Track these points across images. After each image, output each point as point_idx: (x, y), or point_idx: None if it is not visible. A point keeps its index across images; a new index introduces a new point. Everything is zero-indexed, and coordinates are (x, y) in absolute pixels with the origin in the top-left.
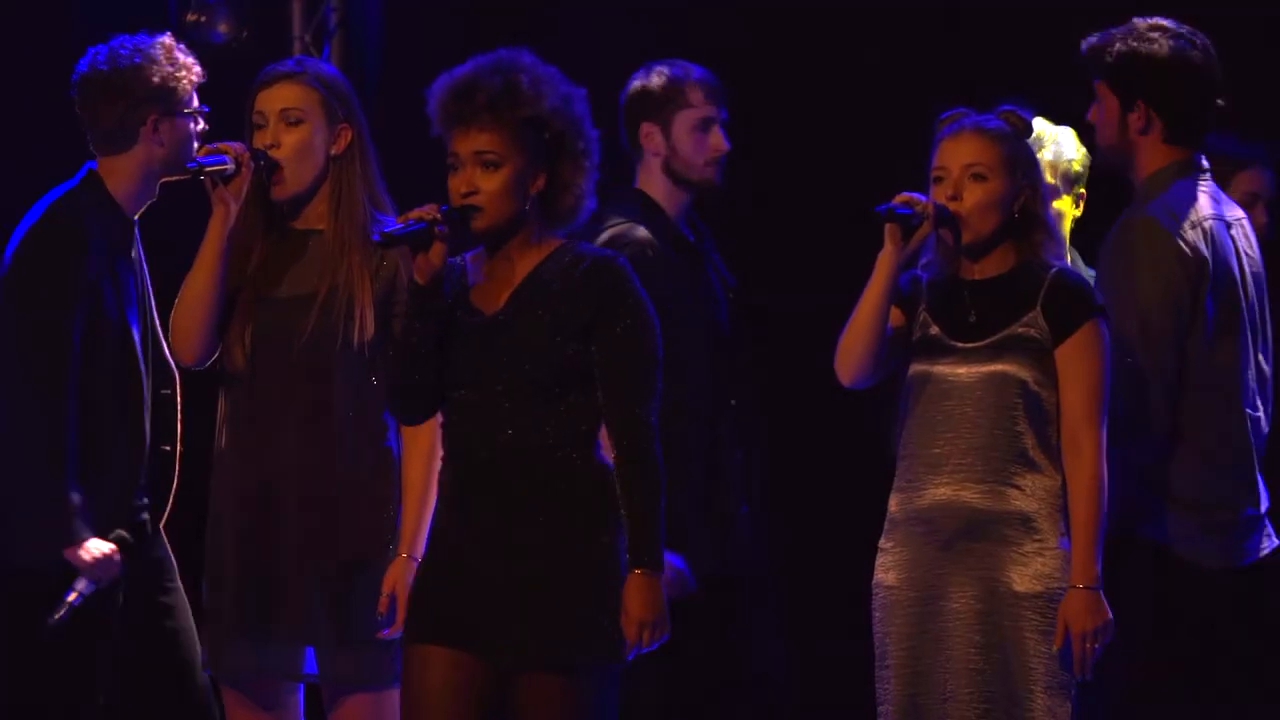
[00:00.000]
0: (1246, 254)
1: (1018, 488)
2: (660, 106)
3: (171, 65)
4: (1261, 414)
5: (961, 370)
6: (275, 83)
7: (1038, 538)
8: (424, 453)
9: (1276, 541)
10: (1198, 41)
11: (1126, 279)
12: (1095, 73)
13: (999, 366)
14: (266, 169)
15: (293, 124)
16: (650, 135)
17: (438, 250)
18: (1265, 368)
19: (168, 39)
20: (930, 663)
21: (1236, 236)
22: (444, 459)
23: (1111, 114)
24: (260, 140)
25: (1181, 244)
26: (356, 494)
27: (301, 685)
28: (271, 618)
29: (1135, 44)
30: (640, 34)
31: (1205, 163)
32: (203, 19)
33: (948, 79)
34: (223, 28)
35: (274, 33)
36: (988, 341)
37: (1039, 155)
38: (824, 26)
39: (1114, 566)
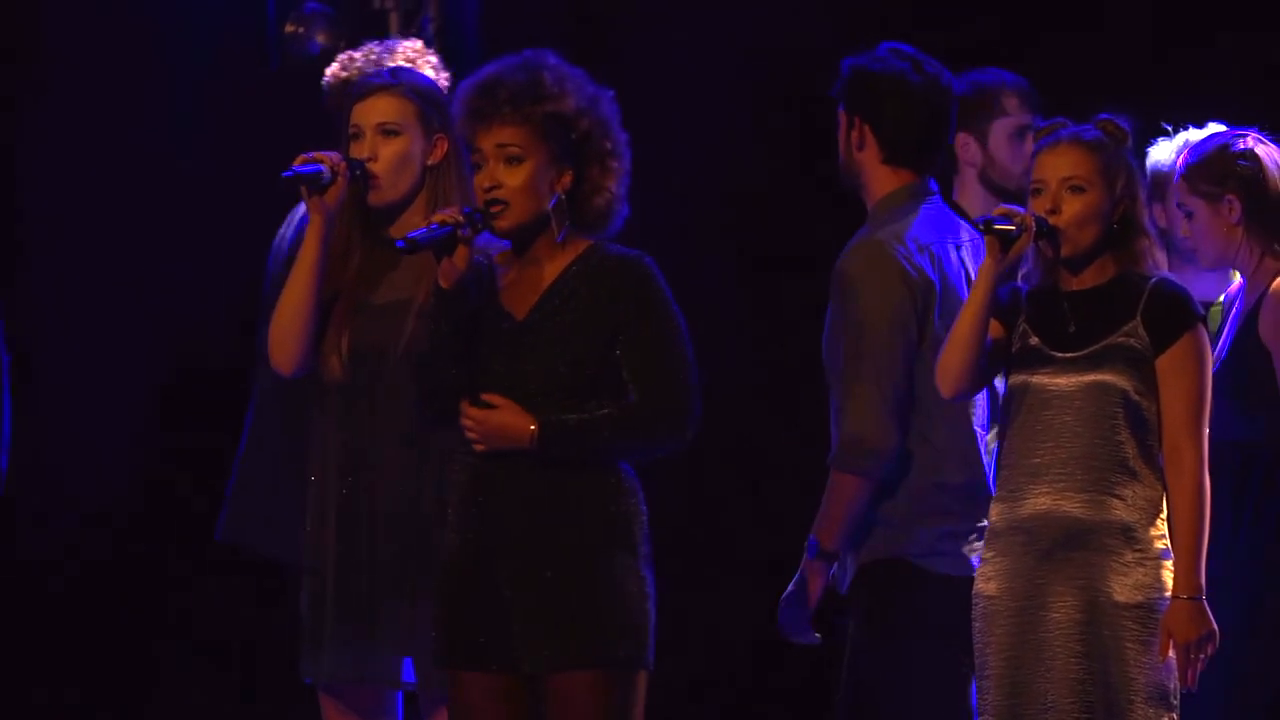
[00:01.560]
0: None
1: (1118, 497)
2: (975, 116)
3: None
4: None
5: (1061, 380)
6: (371, 94)
7: (1138, 547)
8: None
9: None
10: (926, 68)
11: (853, 303)
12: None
13: (1099, 376)
14: (362, 178)
15: (389, 135)
16: (966, 145)
17: (462, 254)
18: (999, 388)
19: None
20: (1030, 672)
21: (965, 258)
22: (461, 459)
23: (841, 131)
24: (357, 152)
25: (907, 267)
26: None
27: (400, 693)
28: (371, 626)
29: (864, 63)
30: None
31: (934, 186)
32: (301, 30)
33: None
34: (320, 38)
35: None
36: (1087, 351)
37: None
38: None
39: (874, 585)
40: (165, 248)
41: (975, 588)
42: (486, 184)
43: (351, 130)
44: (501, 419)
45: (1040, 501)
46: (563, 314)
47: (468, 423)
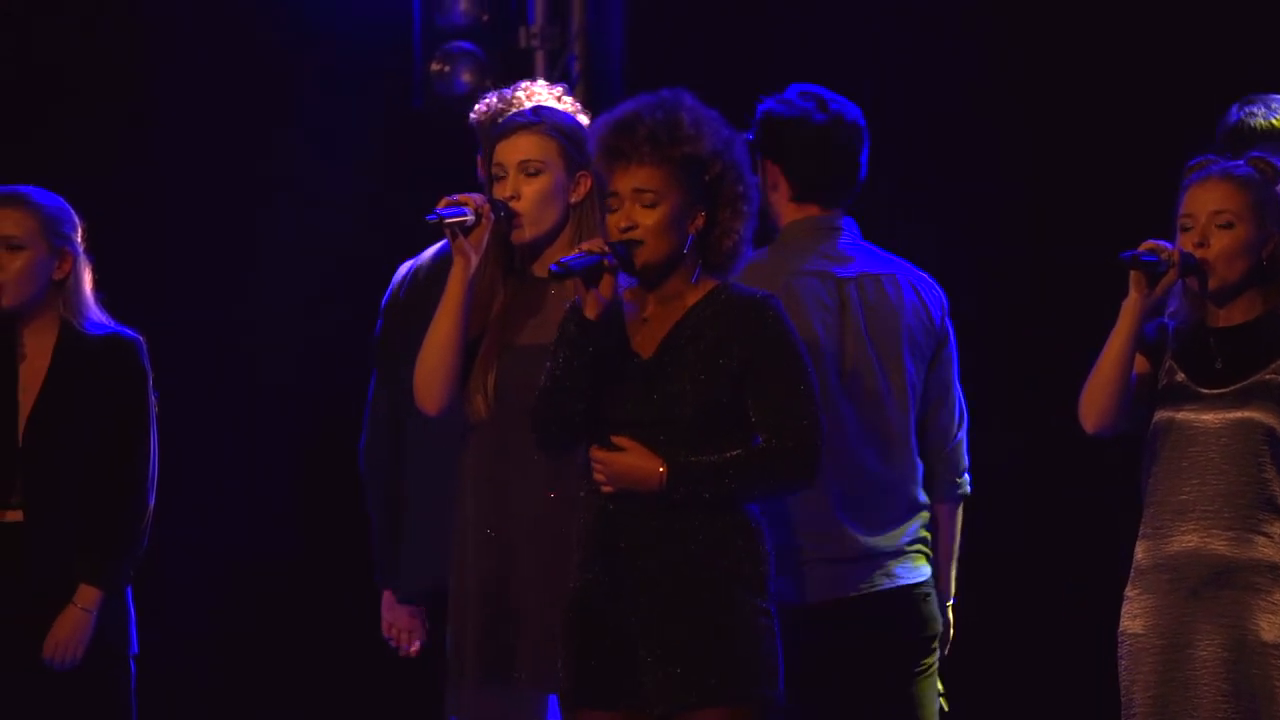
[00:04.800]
0: (866, 307)
1: (1265, 535)
2: (1263, 143)
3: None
4: (869, 460)
5: (1207, 416)
6: (514, 133)
7: None
8: None
9: (890, 583)
10: (831, 107)
11: None
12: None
13: (1245, 413)
14: (506, 219)
15: (532, 175)
16: None
17: (607, 284)
18: (890, 418)
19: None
20: (1176, 711)
21: (849, 292)
22: (587, 499)
23: (758, 172)
24: (500, 191)
25: None
26: None
27: None
28: (515, 664)
29: (770, 107)
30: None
31: (845, 222)
32: (446, 69)
33: None
34: (466, 77)
35: (517, 81)
36: (1234, 388)
37: None
38: None
39: None
40: (309, 285)
41: (1121, 626)
42: (623, 224)
43: (495, 170)
44: (630, 461)
45: (1187, 539)
46: (689, 354)
47: (596, 464)
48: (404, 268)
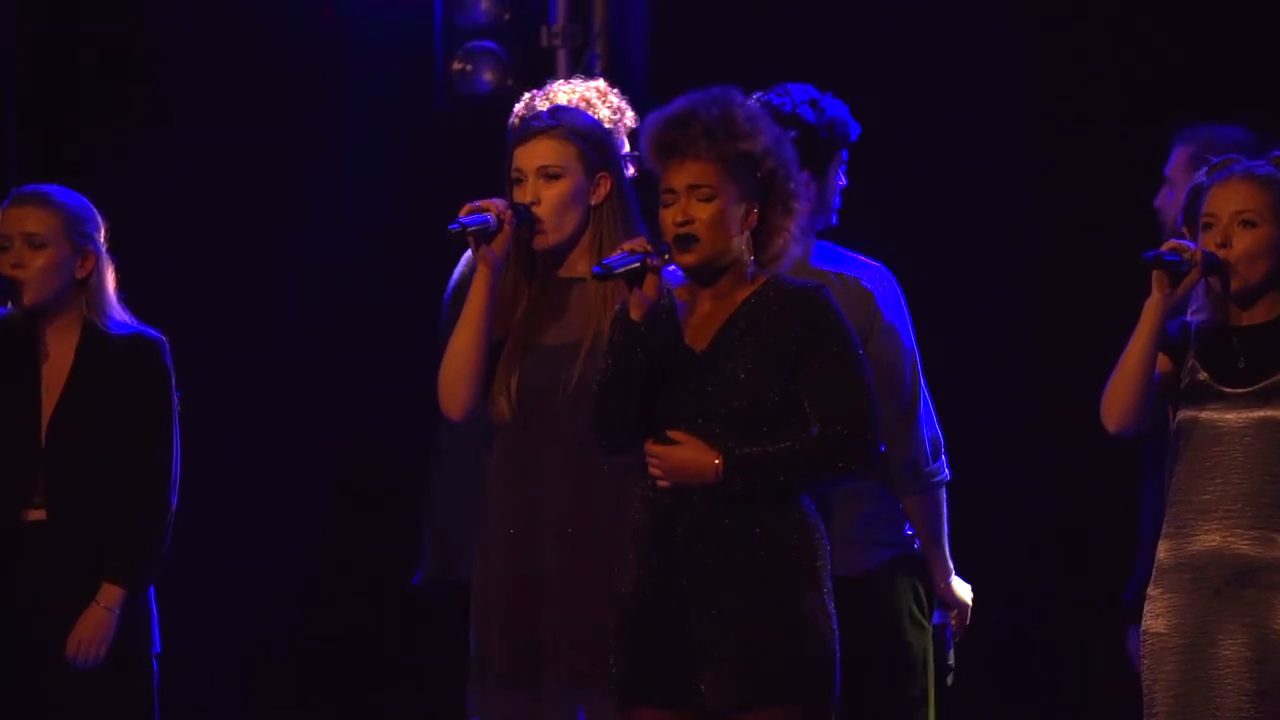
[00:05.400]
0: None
1: None
2: None
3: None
4: None
5: (1230, 416)
6: (532, 138)
7: None
8: None
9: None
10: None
11: None
12: None
13: (1268, 412)
14: (527, 223)
15: (551, 179)
16: None
17: (651, 284)
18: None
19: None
20: (1199, 710)
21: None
22: (643, 494)
23: None
24: (520, 195)
25: None
26: (622, 540)
27: None
28: (542, 667)
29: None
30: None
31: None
32: (468, 68)
33: None
34: (487, 76)
35: (539, 80)
36: (1257, 387)
37: None
38: None
39: None
40: (332, 284)
41: (1144, 624)
42: (679, 218)
43: (514, 174)
44: (685, 454)
45: (1209, 539)
46: (742, 347)
47: (652, 459)
48: (467, 256)
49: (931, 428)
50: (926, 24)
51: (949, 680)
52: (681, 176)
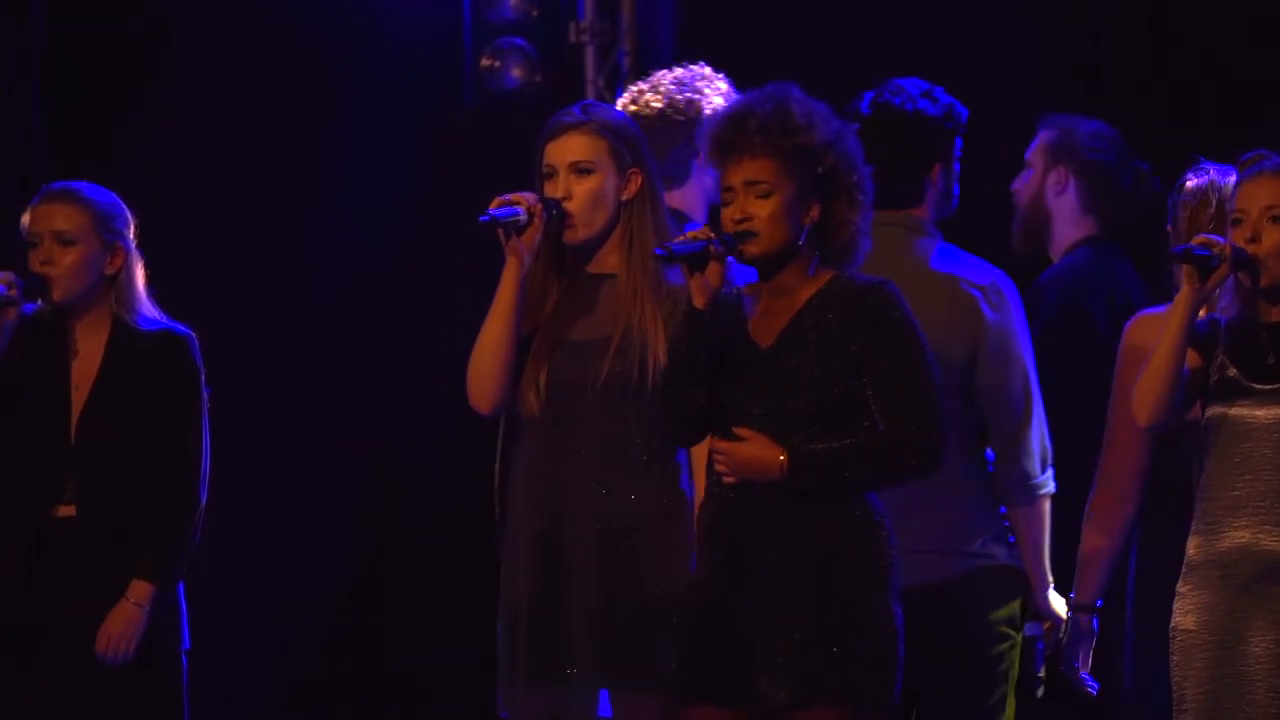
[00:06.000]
0: None
1: None
2: None
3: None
4: None
5: (1260, 412)
6: (563, 134)
7: None
8: None
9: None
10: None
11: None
12: None
13: None
14: (558, 217)
15: (583, 174)
16: None
17: (714, 270)
18: None
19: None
20: (1229, 707)
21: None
22: (710, 490)
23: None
24: (551, 191)
25: None
26: (650, 536)
27: None
28: (566, 661)
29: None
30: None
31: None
32: (496, 64)
33: None
34: (516, 73)
35: (567, 77)
36: None
37: None
38: None
39: None
40: (361, 280)
41: (1173, 622)
42: (737, 215)
43: (545, 169)
44: (751, 451)
45: (1239, 535)
46: (808, 343)
47: (717, 455)
48: None
49: (1042, 439)
50: (953, 17)
51: (1039, 693)
52: (739, 173)
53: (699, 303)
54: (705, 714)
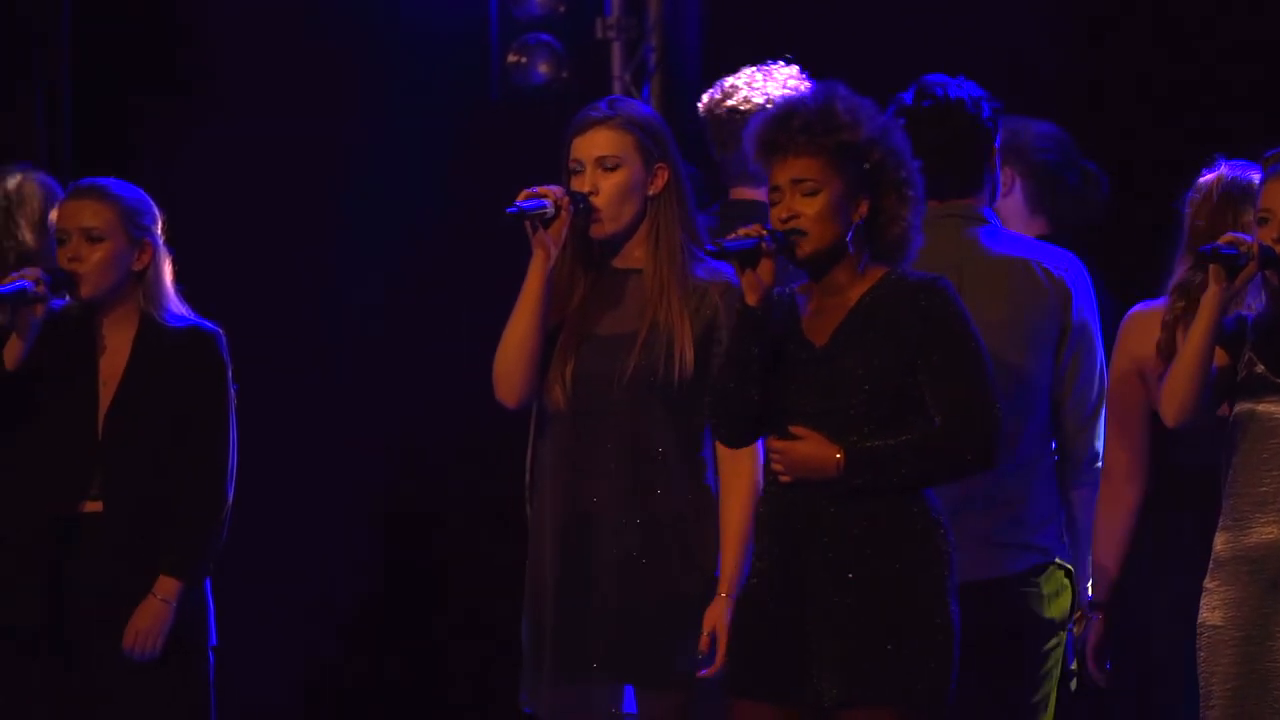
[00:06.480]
0: None
1: None
2: None
3: None
4: None
5: None
6: (590, 129)
7: None
8: (742, 491)
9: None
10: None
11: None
12: None
13: None
14: (585, 211)
15: (609, 169)
16: None
17: (766, 267)
18: None
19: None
20: (1256, 703)
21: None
22: (766, 489)
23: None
24: (578, 185)
25: None
26: (675, 531)
27: None
28: (591, 656)
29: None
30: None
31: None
32: (523, 60)
33: None
34: (543, 69)
35: (594, 73)
36: None
37: None
38: None
39: None
40: (387, 276)
41: (1200, 617)
42: (784, 214)
43: (572, 164)
44: (807, 450)
45: (1267, 531)
46: (862, 341)
47: (774, 455)
48: None
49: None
50: (982, 14)
51: (1072, 685)
52: (785, 172)
53: (751, 300)
54: (757, 710)
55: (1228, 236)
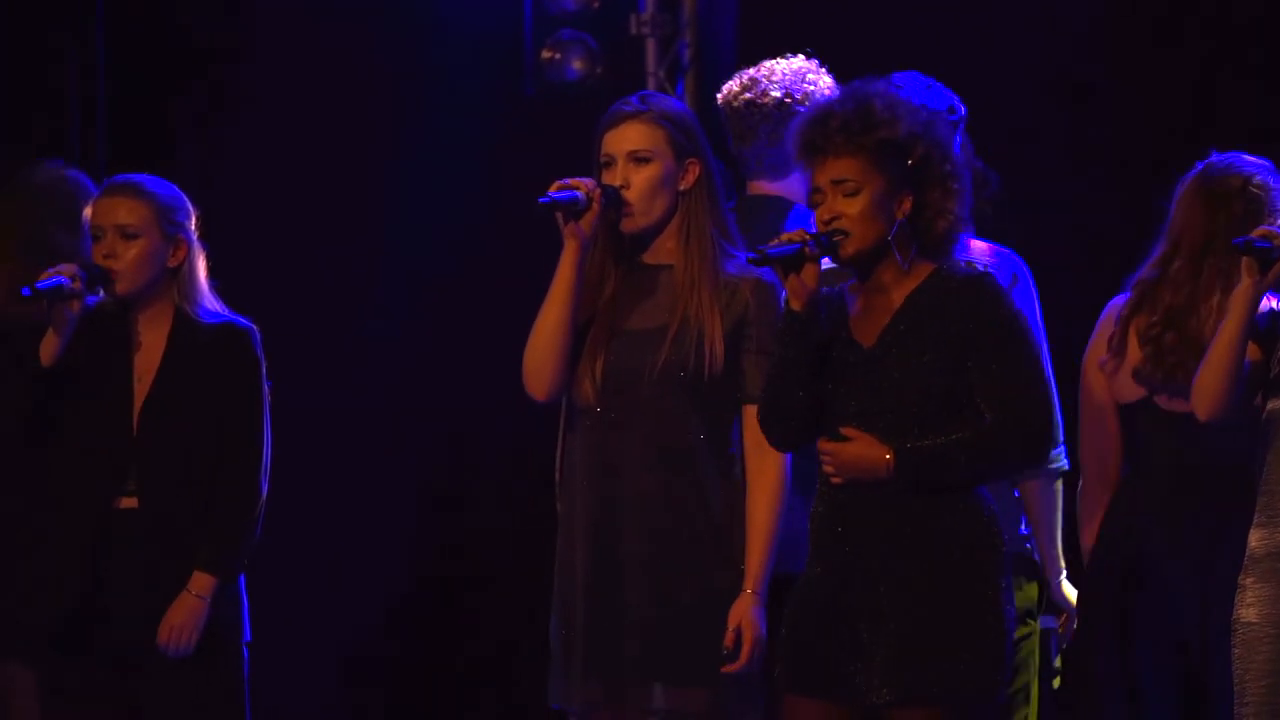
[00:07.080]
0: None
1: None
2: None
3: None
4: None
5: None
6: (621, 123)
7: None
8: (769, 487)
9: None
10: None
11: None
12: None
13: None
14: (616, 204)
15: (641, 163)
16: None
17: (810, 272)
18: None
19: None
20: None
21: None
22: (820, 490)
23: None
24: (609, 179)
25: None
26: (704, 527)
27: None
28: (621, 652)
29: None
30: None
31: None
32: (557, 56)
33: None
34: (577, 65)
35: (628, 69)
36: None
37: None
38: None
39: None
40: (423, 272)
41: (1235, 614)
42: (826, 216)
43: (603, 159)
44: (857, 450)
45: None
46: (911, 340)
47: (824, 456)
48: None
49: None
50: (1021, 16)
51: (1055, 684)
52: (825, 173)
53: (796, 305)
54: (810, 706)
55: (1261, 230)
